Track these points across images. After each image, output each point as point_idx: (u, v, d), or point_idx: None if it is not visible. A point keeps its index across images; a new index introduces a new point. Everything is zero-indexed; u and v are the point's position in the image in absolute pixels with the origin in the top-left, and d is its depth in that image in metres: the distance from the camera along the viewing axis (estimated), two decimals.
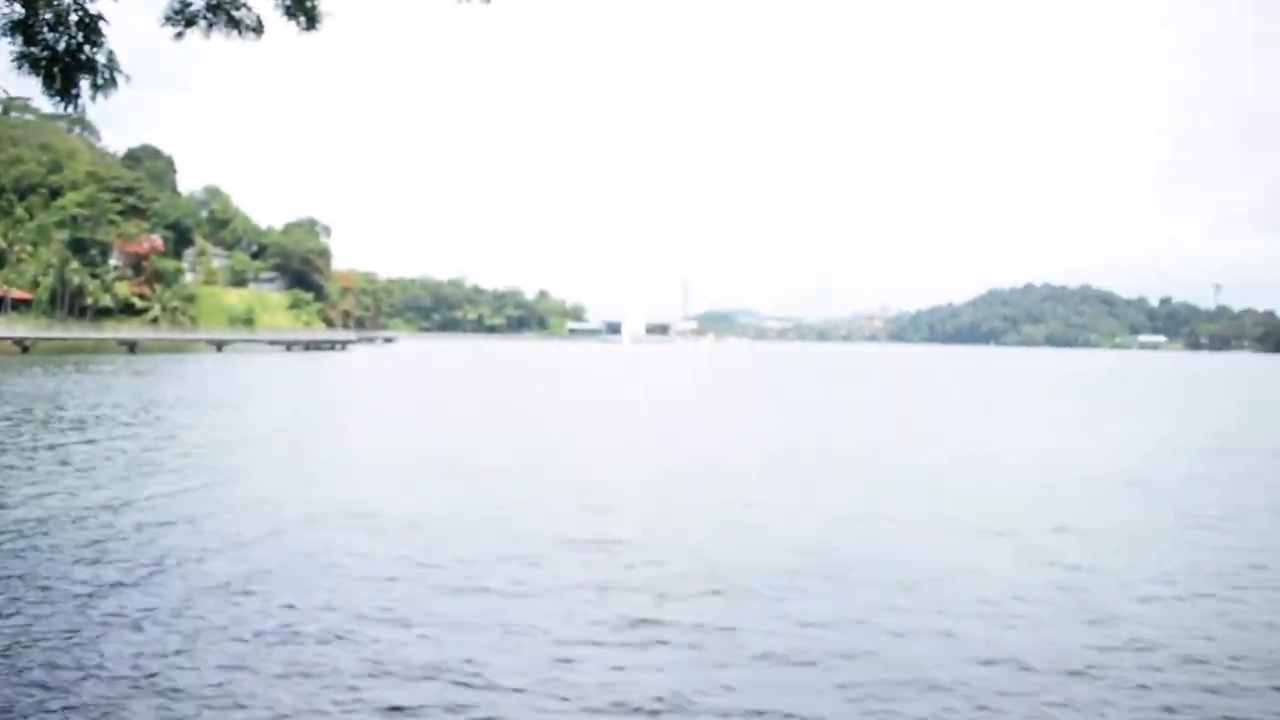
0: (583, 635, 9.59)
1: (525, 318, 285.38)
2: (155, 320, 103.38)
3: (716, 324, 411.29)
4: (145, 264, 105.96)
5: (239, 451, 23.75)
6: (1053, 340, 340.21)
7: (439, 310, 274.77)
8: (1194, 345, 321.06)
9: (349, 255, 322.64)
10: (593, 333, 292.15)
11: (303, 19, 10.02)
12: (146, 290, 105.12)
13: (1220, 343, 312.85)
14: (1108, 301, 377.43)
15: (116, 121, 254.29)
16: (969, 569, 12.54)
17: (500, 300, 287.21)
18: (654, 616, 10.19)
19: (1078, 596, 11.31)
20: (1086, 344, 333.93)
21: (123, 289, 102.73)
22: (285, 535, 13.80)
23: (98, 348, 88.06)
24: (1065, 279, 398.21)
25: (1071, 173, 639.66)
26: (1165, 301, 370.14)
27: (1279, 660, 9.31)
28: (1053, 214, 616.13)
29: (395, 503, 16.63)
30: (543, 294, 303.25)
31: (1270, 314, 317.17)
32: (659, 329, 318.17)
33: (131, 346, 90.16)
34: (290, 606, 10.25)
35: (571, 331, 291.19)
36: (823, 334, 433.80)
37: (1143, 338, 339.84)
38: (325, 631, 9.48)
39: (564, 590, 11.12)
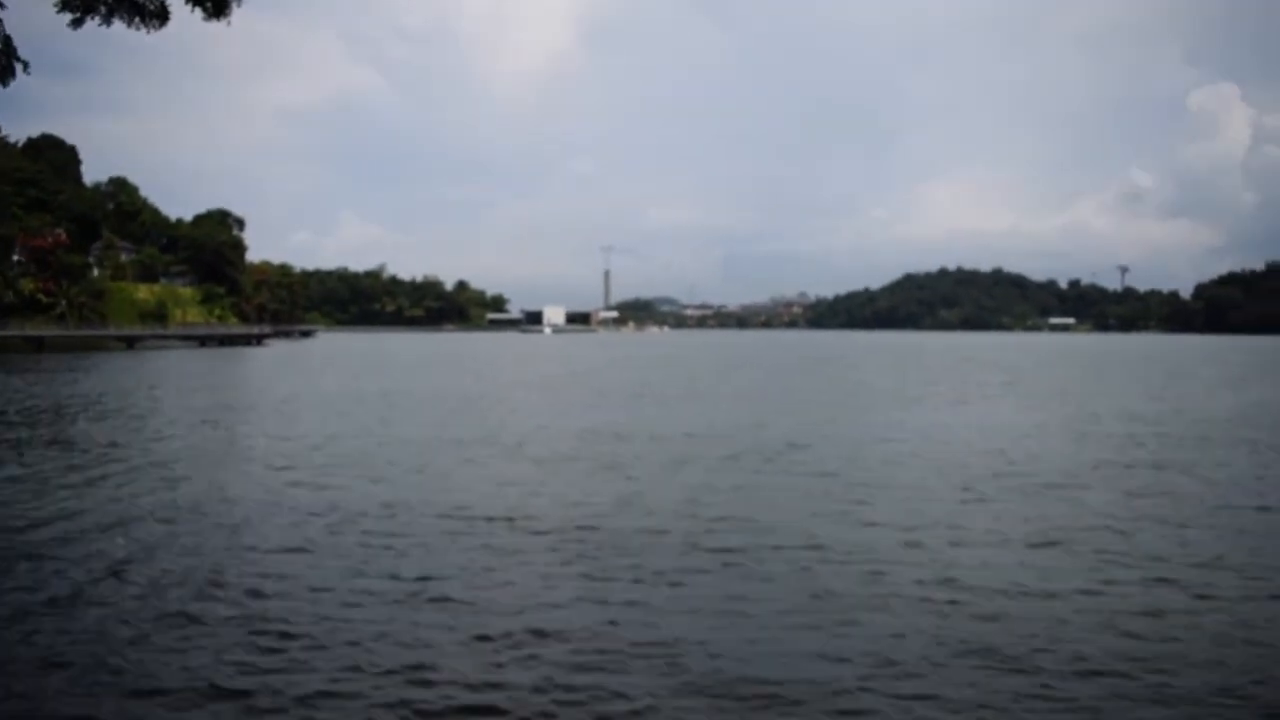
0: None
1: (445, 309, 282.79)
2: (62, 317, 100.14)
3: (637, 313, 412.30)
4: (50, 259, 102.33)
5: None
6: (968, 323, 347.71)
7: (356, 303, 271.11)
8: (1103, 327, 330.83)
9: (263, 247, 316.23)
10: (513, 323, 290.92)
11: (209, 5, 9.40)
12: (52, 286, 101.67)
13: (1127, 324, 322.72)
14: (1019, 285, 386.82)
15: (14, 110, 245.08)
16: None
17: (419, 292, 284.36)
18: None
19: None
20: (1000, 327, 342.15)
21: (27, 285, 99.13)
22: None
23: (3, 345, 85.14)
24: (977, 263, 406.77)
25: (979, 154, 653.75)
26: (1074, 284, 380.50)
27: None
28: (963, 198, 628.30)
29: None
30: (461, 285, 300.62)
31: (1174, 295, 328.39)
32: (579, 318, 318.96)
33: (39, 344, 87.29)
34: None
35: (491, 322, 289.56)
36: (742, 321, 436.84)
37: (1053, 320, 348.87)
38: None
39: None
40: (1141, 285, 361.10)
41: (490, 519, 14.73)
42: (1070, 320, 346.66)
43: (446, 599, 10.58)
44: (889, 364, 78.15)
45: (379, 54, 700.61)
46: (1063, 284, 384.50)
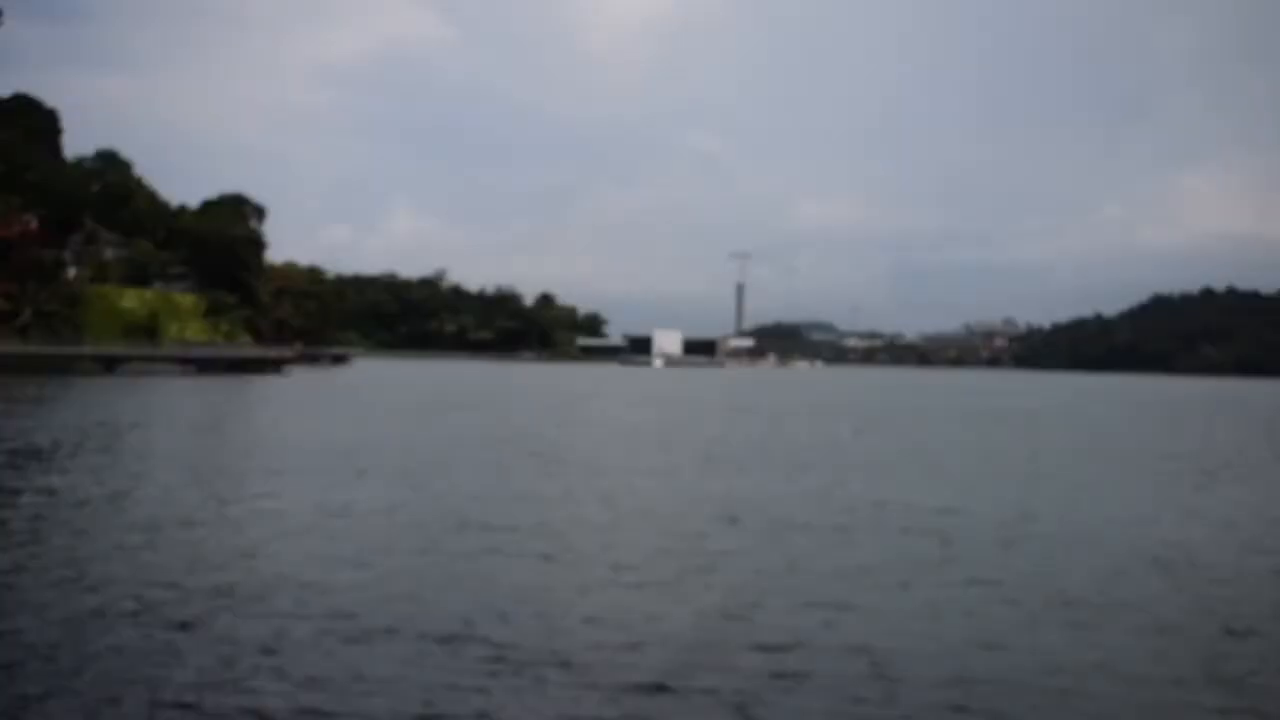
0: None
1: (523, 331, 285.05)
2: (24, 330, 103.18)
3: (780, 342, 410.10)
4: (15, 253, 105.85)
5: None
6: (1242, 365, 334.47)
7: (407, 321, 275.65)
8: None
9: (288, 245, 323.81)
10: (613, 351, 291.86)
11: None
12: (15, 289, 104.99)
13: None
14: None
15: None
16: None
17: (489, 308, 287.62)
18: None
19: None
20: None
21: None
22: None
23: None
24: (1257, 281, 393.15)
25: (1256, 131, 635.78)
26: None
27: None
28: (1235, 192, 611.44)
29: None
30: (545, 299, 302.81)
31: None
32: (702, 348, 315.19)
33: None
34: None
35: (584, 350, 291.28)
36: (924, 356, 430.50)
37: None
38: None
39: None
40: None
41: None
42: None
43: None
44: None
45: None
46: None
